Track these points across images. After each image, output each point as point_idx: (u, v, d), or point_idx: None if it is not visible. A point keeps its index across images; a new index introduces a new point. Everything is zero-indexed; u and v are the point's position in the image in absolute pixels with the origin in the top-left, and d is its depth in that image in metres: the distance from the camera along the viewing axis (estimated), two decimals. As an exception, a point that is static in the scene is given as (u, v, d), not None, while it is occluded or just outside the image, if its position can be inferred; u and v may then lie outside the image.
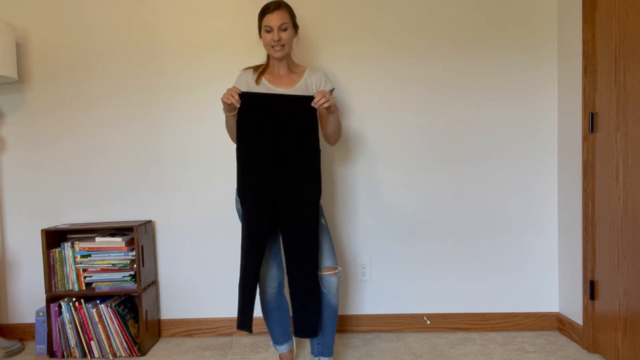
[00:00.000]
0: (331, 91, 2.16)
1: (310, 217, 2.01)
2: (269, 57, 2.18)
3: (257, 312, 2.74)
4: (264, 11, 2.08)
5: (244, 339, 2.76)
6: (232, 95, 1.91)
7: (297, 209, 1.99)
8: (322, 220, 2.11)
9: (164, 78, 2.75)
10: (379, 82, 2.73)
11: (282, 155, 1.98)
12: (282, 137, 1.97)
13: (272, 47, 2.07)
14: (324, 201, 2.74)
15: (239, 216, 2.14)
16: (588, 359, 2.37)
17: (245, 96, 1.96)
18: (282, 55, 2.10)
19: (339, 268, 2.11)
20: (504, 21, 2.69)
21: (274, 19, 2.04)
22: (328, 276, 2.06)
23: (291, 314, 2.15)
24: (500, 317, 2.77)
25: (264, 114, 1.97)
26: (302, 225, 2.00)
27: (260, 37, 2.13)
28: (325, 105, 1.92)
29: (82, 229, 2.68)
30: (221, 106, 2.67)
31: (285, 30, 2.07)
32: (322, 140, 2.17)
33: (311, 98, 1.95)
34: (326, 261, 2.07)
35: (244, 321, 2.03)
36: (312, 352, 2.18)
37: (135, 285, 2.57)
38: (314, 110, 1.98)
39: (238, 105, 1.93)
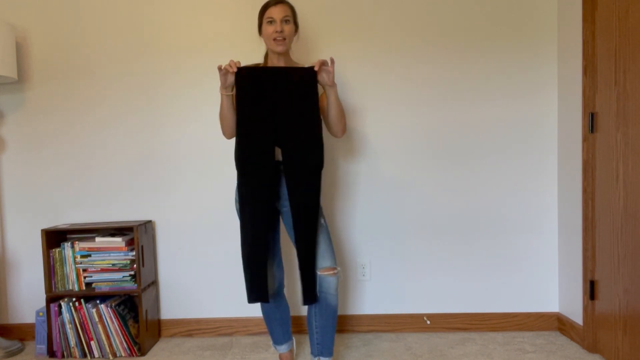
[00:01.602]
0: None
1: (314, 185, 2.02)
2: (266, 56, 2.18)
3: (257, 311, 2.75)
4: (266, 6, 2.09)
5: (244, 339, 2.76)
6: (230, 65, 1.95)
7: (301, 178, 2.00)
8: (322, 220, 2.10)
9: (164, 78, 2.75)
10: (379, 82, 2.73)
11: (285, 127, 1.99)
12: (283, 109, 1.99)
13: (274, 39, 2.06)
14: (323, 201, 2.74)
15: (239, 216, 2.14)
16: (588, 359, 2.37)
17: (244, 69, 1.98)
18: (283, 49, 2.09)
19: (338, 268, 2.11)
20: (504, 21, 2.69)
21: (277, 11, 2.05)
22: (327, 276, 2.06)
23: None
24: (500, 317, 2.77)
25: (264, 88, 1.99)
26: (306, 194, 2.01)
27: (260, 34, 2.12)
28: (324, 67, 1.96)
29: (82, 229, 2.68)
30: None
31: (287, 22, 2.07)
32: (329, 136, 2.16)
33: (310, 69, 1.99)
34: (325, 261, 2.06)
35: (259, 292, 2.04)
36: (312, 352, 2.18)
37: (135, 285, 2.57)
38: (314, 81, 2.00)
39: (233, 71, 1.94)
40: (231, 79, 1.99)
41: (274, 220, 2.16)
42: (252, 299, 2.05)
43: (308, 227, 2.03)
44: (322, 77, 2.01)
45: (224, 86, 2.01)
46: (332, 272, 2.07)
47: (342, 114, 2.12)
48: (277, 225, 2.19)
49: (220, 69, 1.97)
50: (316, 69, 1.97)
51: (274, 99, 1.99)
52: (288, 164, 2.00)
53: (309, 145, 2.01)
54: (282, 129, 1.99)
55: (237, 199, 2.08)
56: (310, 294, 2.05)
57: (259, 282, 2.04)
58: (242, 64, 2.26)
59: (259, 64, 2.20)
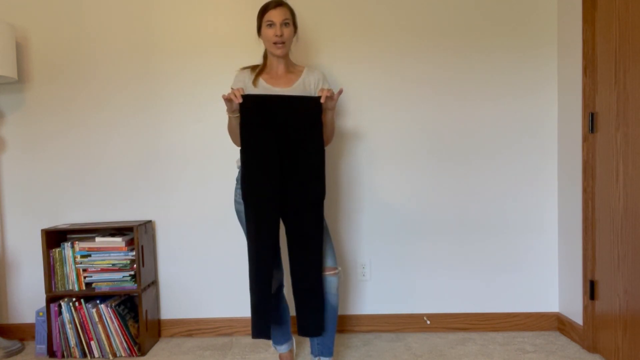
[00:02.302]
0: None
1: (316, 216, 2.01)
2: (265, 57, 2.18)
3: (257, 312, 2.75)
4: (265, 8, 2.08)
5: (244, 339, 2.76)
6: (235, 94, 1.92)
7: (302, 209, 2.00)
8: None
9: (163, 78, 2.75)
10: (379, 82, 2.73)
11: (288, 157, 1.97)
12: (287, 138, 1.97)
13: (274, 43, 2.06)
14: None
15: (238, 217, 2.14)
16: (588, 359, 2.37)
17: (249, 98, 1.95)
18: (282, 53, 2.09)
19: (339, 268, 2.12)
20: (504, 21, 2.69)
21: (277, 14, 2.05)
22: (328, 276, 2.06)
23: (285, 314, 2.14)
24: (500, 317, 2.77)
25: (269, 116, 1.97)
26: (307, 226, 2.00)
27: (260, 35, 2.12)
28: (329, 94, 1.94)
29: (82, 229, 2.68)
30: (222, 106, 2.67)
31: (287, 25, 2.07)
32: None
33: (316, 99, 1.97)
34: (326, 261, 2.07)
35: (262, 328, 2.02)
36: (312, 352, 2.18)
37: (135, 285, 2.57)
38: (319, 111, 1.99)
39: (239, 102, 1.92)
40: (237, 105, 1.96)
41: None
42: (256, 334, 2.03)
43: (308, 261, 2.01)
44: (325, 102, 1.98)
45: (230, 111, 2.00)
46: (333, 272, 2.07)
47: (332, 130, 2.16)
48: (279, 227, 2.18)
49: (224, 97, 1.94)
50: (322, 101, 1.95)
51: (278, 128, 1.96)
52: (290, 196, 1.99)
53: (311, 178, 1.99)
54: (285, 162, 1.97)
55: (239, 209, 2.10)
56: (315, 324, 2.03)
57: (264, 320, 2.02)
58: (243, 65, 2.26)
59: (258, 65, 2.19)
